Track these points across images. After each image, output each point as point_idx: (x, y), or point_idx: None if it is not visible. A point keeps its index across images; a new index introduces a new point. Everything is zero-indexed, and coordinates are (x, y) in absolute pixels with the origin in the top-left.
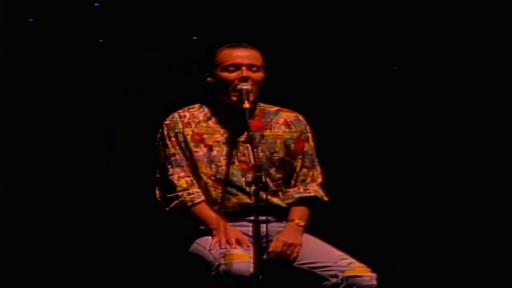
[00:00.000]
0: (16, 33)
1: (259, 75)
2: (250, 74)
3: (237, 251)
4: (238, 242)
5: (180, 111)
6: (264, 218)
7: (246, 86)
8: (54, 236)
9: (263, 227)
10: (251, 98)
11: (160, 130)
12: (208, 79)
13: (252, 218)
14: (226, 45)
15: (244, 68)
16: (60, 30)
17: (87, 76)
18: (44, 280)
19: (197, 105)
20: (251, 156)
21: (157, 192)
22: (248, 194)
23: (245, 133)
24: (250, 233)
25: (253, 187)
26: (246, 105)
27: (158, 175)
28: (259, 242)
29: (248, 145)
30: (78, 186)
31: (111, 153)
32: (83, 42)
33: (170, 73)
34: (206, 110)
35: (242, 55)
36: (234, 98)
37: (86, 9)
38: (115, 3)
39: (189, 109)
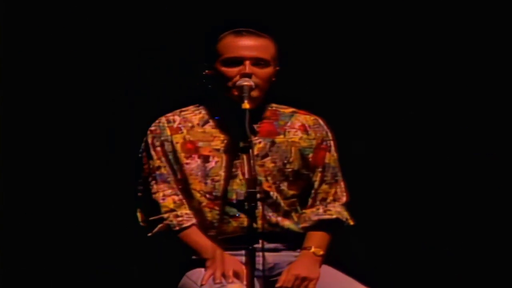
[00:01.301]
0: (16, 33)
1: (266, 71)
2: (255, 70)
3: (234, 286)
4: (237, 275)
5: (169, 114)
6: (272, 246)
7: (247, 82)
8: (54, 236)
9: (268, 257)
10: (255, 96)
11: (145, 138)
12: (206, 71)
13: (255, 246)
14: (231, 30)
15: (247, 62)
16: (59, 29)
17: (87, 76)
18: (44, 280)
19: (191, 107)
20: (246, 167)
21: (138, 214)
22: (252, 216)
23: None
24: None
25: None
26: (246, 105)
27: (140, 194)
28: (263, 276)
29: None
30: (78, 186)
31: (111, 153)
32: (83, 41)
33: (170, 73)
34: (203, 112)
35: (247, 45)
36: (236, 93)
37: (86, 8)
38: (115, 3)
39: (181, 111)
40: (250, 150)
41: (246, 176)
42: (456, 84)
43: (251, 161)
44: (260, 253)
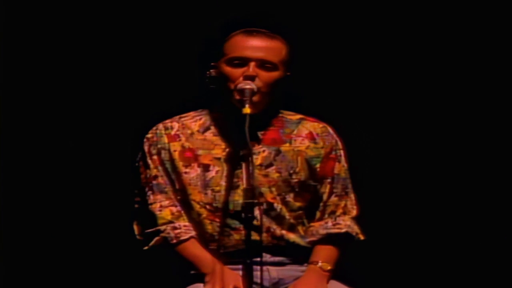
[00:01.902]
0: (15, 33)
1: (272, 75)
2: (259, 72)
3: None
4: None
5: (167, 121)
6: (276, 259)
7: (249, 85)
8: (54, 236)
9: (273, 272)
10: (256, 100)
11: (142, 147)
12: (211, 70)
13: (258, 260)
14: (242, 29)
15: (252, 64)
16: (59, 30)
17: (86, 76)
18: (44, 280)
19: (192, 113)
20: (244, 176)
21: (135, 227)
22: (256, 228)
23: (255, 147)
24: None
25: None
26: (247, 110)
27: (137, 205)
28: None
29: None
30: (78, 187)
31: (110, 153)
32: (82, 42)
33: (170, 74)
34: (204, 118)
35: (255, 45)
36: (237, 97)
37: (85, 8)
38: (114, 3)
39: (180, 117)
40: (249, 158)
41: (244, 185)
42: (459, 94)
43: (250, 170)
44: (264, 267)
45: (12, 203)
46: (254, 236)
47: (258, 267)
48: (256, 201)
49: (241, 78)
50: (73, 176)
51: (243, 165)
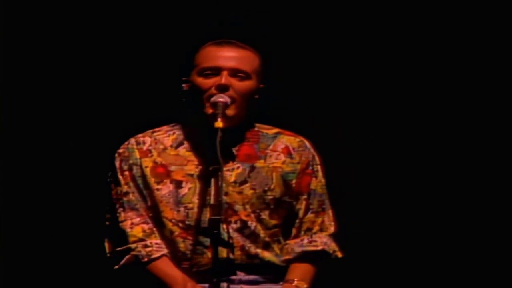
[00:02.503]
0: (15, 34)
1: (246, 84)
2: (232, 82)
3: None
4: None
5: (140, 135)
6: (250, 278)
7: (222, 98)
8: (53, 237)
9: None
10: (230, 114)
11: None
12: (183, 85)
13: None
14: (212, 41)
15: (224, 73)
16: (58, 30)
17: (85, 77)
18: (43, 281)
19: (165, 127)
20: (212, 192)
21: (106, 245)
22: (230, 246)
23: (229, 163)
24: None
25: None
26: (219, 123)
27: (107, 222)
28: None
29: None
30: (77, 188)
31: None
32: (81, 43)
33: (169, 77)
34: (177, 133)
35: (227, 55)
36: (210, 111)
37: (84, 9)
38: (113, 4)
39: (153, 132)
40: (219, 173)
41: (211, 201)
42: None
43: (219, 185)
44: (238, 286)
45: (11, 203)
46: (227, 254)
47: (232, 286)
48: (222, 217)
49: (213, 88)
50: (67, 178)
51: (213, 180)
